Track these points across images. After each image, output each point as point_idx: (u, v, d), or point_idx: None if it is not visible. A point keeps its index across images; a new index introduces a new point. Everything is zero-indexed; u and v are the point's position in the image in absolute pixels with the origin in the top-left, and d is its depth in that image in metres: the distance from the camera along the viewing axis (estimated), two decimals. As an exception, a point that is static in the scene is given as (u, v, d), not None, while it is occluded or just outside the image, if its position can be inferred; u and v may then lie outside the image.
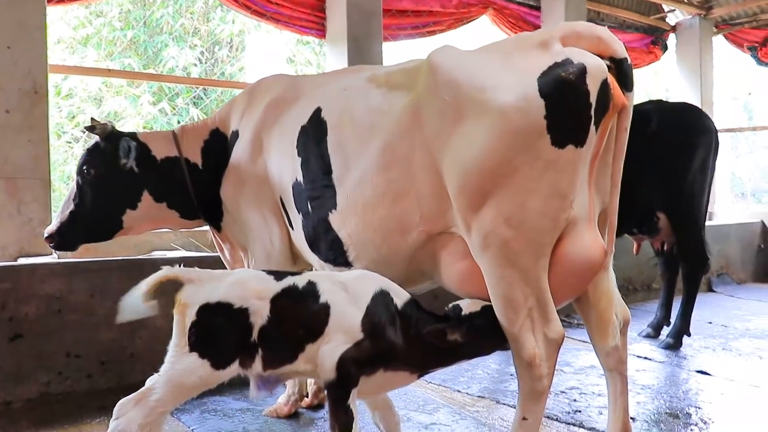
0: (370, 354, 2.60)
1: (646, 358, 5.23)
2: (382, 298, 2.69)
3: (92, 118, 3.83)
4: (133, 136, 3.90)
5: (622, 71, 2.75)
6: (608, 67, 2.72)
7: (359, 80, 3.29)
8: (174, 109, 12.16)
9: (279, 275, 2.72)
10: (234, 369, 2.56)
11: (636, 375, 4.71)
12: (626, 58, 2.75)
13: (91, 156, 3.82)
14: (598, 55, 2.71)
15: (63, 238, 3.85)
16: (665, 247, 5.75)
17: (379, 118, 3.06)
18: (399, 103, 3.01)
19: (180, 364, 2.49)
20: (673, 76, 10.94)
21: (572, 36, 2.74)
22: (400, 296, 2.75)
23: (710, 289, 8.58)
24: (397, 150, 2.96)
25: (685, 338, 5.60)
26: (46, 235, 3.85)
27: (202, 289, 2.57)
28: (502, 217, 2.67)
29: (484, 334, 2.74)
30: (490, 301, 2.78)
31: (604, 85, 2.65)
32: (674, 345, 5.50)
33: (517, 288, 2.70)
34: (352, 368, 2.58)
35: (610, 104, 2.69)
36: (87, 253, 4.70)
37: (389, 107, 3.05)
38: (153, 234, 5.41)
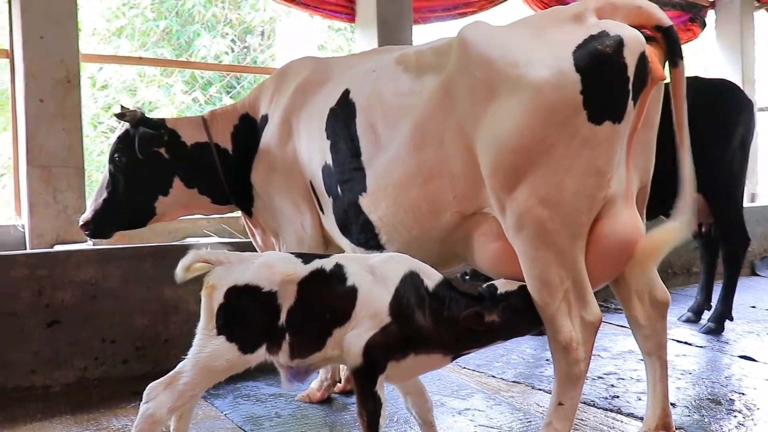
0: (397, 339, 2.54)
1: (686, 342, 5.10)
2: (411, 280, 2.63)
3: (122, 105, 3.83)
4: (162, 122, 3.89)
5: (670, 39, 2.66)
6: (651, 37, 2.63)
7: (388, 60, 3.23)
8: (207, 98, 12.21)
9: (307, 258, 2.67)
10: (261, 354, 2.52)
11: (676, 360, 4.59)
12: (672, 26, 2.65)
13: (122, 143, 3.82)
14: (641, 26, 2.62)
15: (98, 226, 3.86)
16: (703, 229, 5.59)
17: (409, 97, 3.00)
18: (429, 81, 2.95)
19: (208, 347, 2.47)
20: (713, 54, 10.63)
21: (608, 7, 2.65)
22: (431, 277, 2.69)
23: (753, 273, 8.36)
24: (428, 129, 2.90)
25: (727, 323, 5.44)
26: (81, 223, 3.87)
27: (231, 271, 2.54)
28: (537, 197, 2.60)
29: (520, 314, 2.66)
30: (525, 282, 2.71)
31: (642, 58, 2.56)
32: (716, 329, 5.36)
33: (552, 270, 2.62)
34: (379, 354, 2.53)
35: (648, 78, 2.60)
36: (121, 240, 4.73)
37: (420, 86, 2.98)
38: (186, 220, 5.44)
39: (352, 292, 2.58)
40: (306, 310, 2.56)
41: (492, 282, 2.74)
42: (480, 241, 2.89)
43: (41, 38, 4.92)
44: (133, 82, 11.84)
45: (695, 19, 9.97)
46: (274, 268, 2.56)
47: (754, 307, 6.37)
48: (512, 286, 2.70)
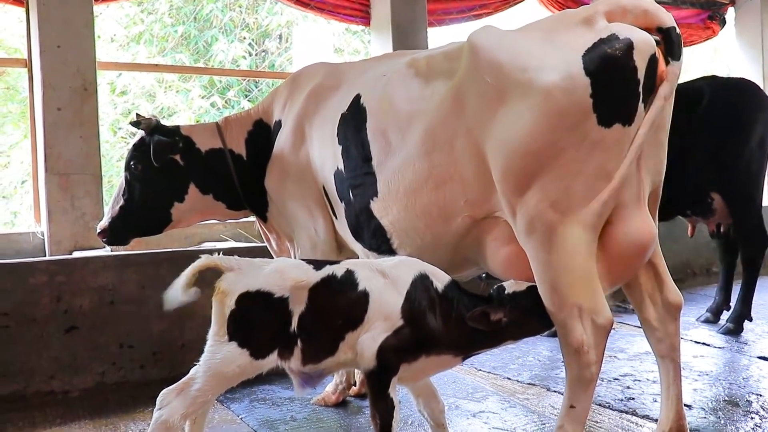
0: (410, 341, 2.56)
1: (704, 343, 5.06)
2: (421, 282, 2.65)
3: (137, 114, 3.87)
4: (177, 129, 3.93)
5: (670, 40, 2.62)
6: (657, 40, 2.61)
7: (399, 65, 3.24)
8: (226, 102, 12.30)
9: (318, 264, 2.70)
10: (273, 359, 2.54)
11: (693, 361, 4.56)
12: (674, 27, 2.62)
13: (138, 151, 3.87)
14: (646, 29, 2.60)
15: (115, 233, 3.92)
16: (722, 230, 5.54)
17: (419, 102, 3.01)
18: (440, 86, 2.96)
19: (219, 353, 2.49)
20: (733, 52, 10.53)
21: (617, 10, 2.64)
22: (440, 279, 2.70)
23: (774, 272, 8.25)
24: (439, 134, 2.90)
25: (746, 323, 5.39)
26: (98, 230, 3.92)
27: (242, 277, 2.56)
28: (548, 201, 2.59)
29: (528, 314, 2.66)
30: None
31: (653, 61, 2.54)
32: (734, 330, 5.31)
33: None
34: (393, 357, 2.54)
35: (658, 80, 2.58)
36: (138, 246, 4.78)
37: (430, 91, 2.99)
38: (202, 225, 5.48)
39: (364, 296, 2.60)
40: (318, 316, 2.58)
41: (501, 283, 2.74)
42: (492, 245, 2.89)
43: (58, 47, 5.00)
44: (151, 87, 11.96)
45: (715, 17, 9.88)
46: (286, 274, 2.58)
47: (774, 307, 6.29)
48: (521, 286, 2.70)
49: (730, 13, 10.14)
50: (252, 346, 2.51)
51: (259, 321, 2.53)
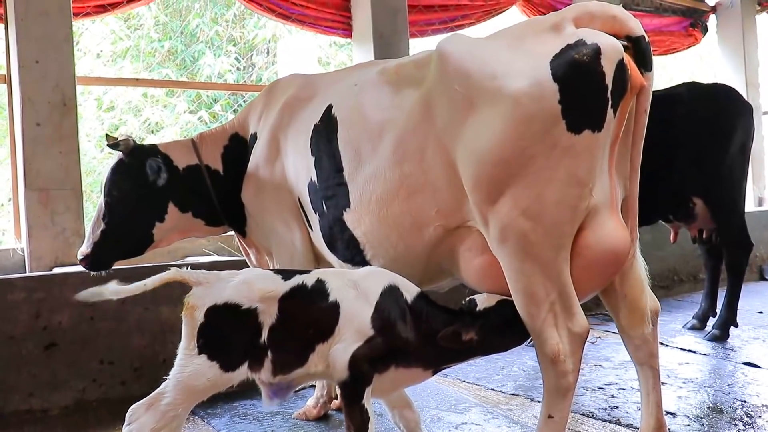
0: (382, 351, 2.54)
1: (690, 350, 5.04)
2: (391, 293, 2.63)
3: (107, 135, 3.81)
4: (154, 148, 3.90)
5: (639, 50, 2.63)
6: (625, 47, 2.60)
7: (370, 74, 3.23)
8: (213, 116, 12.27)
9: (287, 274, 2.67)
10: (243, 371, 2.53)
11: (678, 368, 4.54)
12: (643, 36, 2.62)
13: (116, 173, 3.82)
14: (614, 35, 2.60)
15: (97, 258, 3.81)
16: (704, 235, 5.53)
17: (389, 111, 3.00)
18: (410, 95, 2.94)
19: (189, 367, 2.48)
20: (716, 59, 10.58)
21: (585, 16, 2.64)
22: (409, 291, 2.69)
23: (762, 278, 8.26)
24: (409, 144, 2.89)
25: (732, 329, 5.38)
26: (80, 257, 3.82)
27: (210, 290, 2.54)
28: (519, 209, 2.57)
29: (499, 331, 2.65)
30: (510, 296, 2.68)
31: (621, 66, 2.53)
32: (720, 336, 5.30)
33: (537, 281, 2.60)
34: (365, 366, 2.52)
35: (627, 86, 2.57)
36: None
37: (400, 100, 2.98)
38: (185, 240, 5.42)
39: (335, 307, 2.58)
40: (288, 326, 2.56)
41: (473, 296, 2.72)
42: (465, 255, 2.87)
43: (37, 62, 4.97)
44: (138, 102, 11.93)
45: (696, 24, 9.93)
46: (254, 285, 2.56)
47: (761, 312, 6.29)
48: (492, 301, 2.68)
49: (712, 21, 10.20)
50: (222, 358, 2.49)
51: (228, 333, 2.51)
